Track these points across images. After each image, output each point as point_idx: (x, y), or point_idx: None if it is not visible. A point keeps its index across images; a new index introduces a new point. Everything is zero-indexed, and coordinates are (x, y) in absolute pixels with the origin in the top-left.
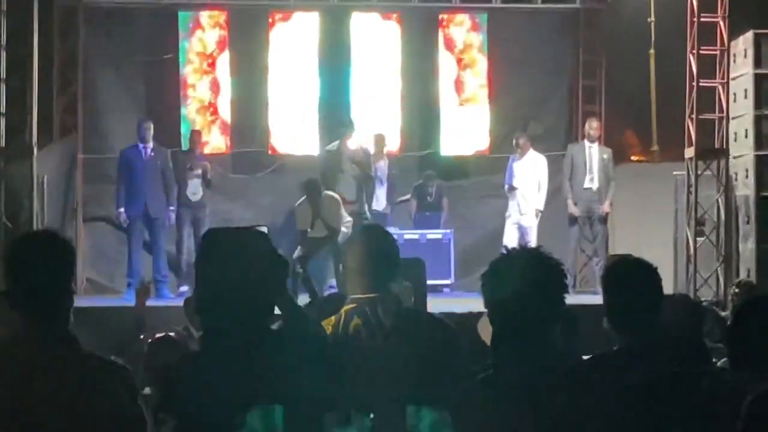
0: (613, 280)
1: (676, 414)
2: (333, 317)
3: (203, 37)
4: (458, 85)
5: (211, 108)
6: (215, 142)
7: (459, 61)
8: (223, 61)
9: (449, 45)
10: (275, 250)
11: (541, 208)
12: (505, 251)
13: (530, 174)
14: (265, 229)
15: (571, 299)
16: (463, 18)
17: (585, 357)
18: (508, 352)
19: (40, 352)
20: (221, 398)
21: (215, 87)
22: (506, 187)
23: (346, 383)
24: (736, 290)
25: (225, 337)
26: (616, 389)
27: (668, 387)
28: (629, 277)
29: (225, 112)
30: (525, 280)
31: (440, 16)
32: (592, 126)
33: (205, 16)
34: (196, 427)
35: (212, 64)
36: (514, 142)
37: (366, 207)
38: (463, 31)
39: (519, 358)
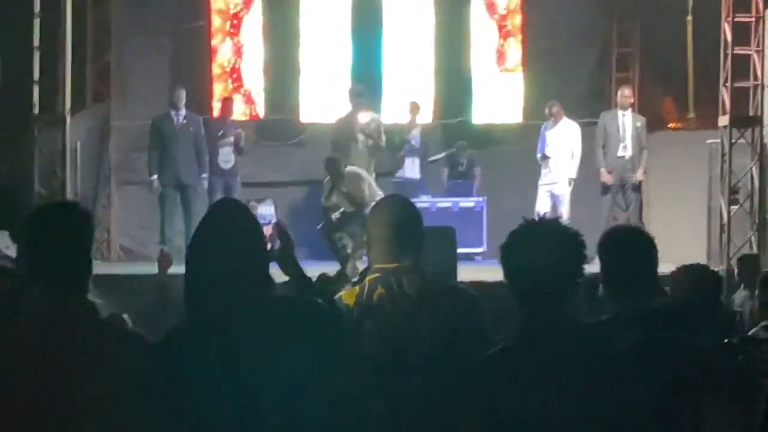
0: (608, 248)
1: (666, 379)
2: (356, 287)
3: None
4: (500, 54)
5: (234, 74)
6: (237, 109)
7: (501, 28)
8: (250, 24)
9: (490, 10)
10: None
11: (574, 176)
12: (523, 222)
13: (563, 142)
14: None
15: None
16: None
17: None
18: (526, 323)
19: (57, 321)
20: (211, 371)
21: (238, 51)
22: (539, 155)
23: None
24: (742, 266)
25: (211, 307)
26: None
27: (657, 353)
28: (624, 244)
29: (250, 78)
30: (542, 251)
31: None
32: (624, 93)
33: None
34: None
35: (236, 26)
36: (546, 110)
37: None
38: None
39: (536, 329)
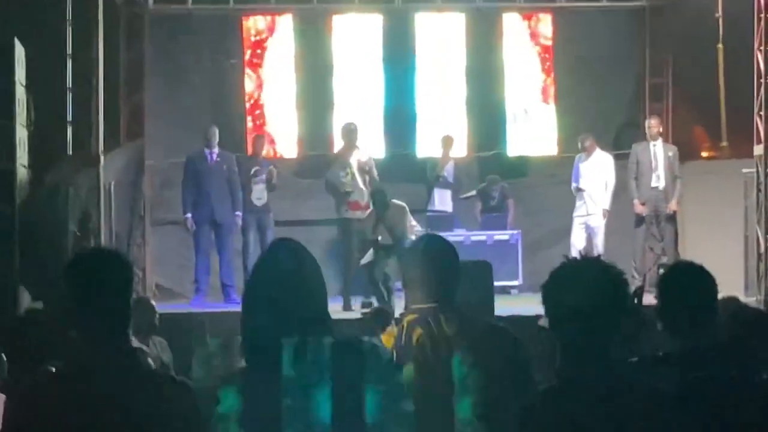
0: (669, 285)
1: (720, 419)
2: (395, 329)
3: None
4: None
5: (257, 110)
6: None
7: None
8: (278, 55)
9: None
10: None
11: (608, 207)
12: (565, 260)
13: (597, 174)
14: None
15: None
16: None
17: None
18: (570, 364)
19: (102, 370)
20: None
21: (260, 84)
22: (573, 186)
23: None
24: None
25: (270, 349)
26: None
27: (714, 391)
28: (685, 281)
29: (276, 112)
30: (585, 292)
31: (503, 15)
32: (651, 124)
33: (269, 20)
34: None
35: (260, 56)
36: (579, 144)
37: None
38: (529, 30)
39: (581, 370)
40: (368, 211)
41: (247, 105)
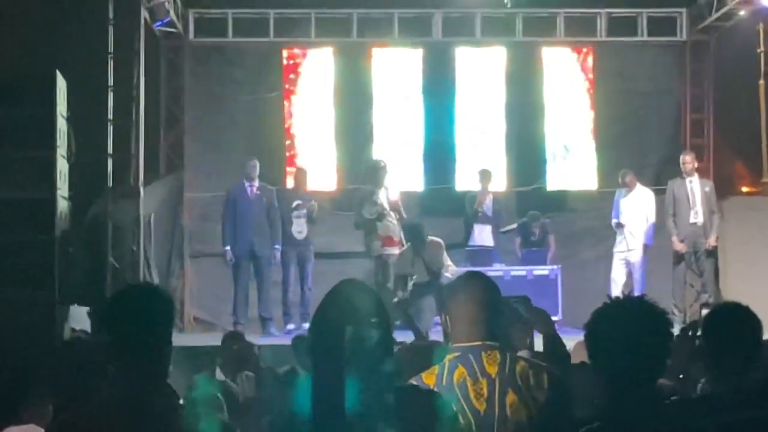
0: (713, 324)
1: None
2: (436, 366)
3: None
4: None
5: (288, 140)
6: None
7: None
8: (319, 92)
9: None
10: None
11: (650, 243)
12: (608, 300)
13: (638, 210)
14: None
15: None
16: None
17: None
18: (613, 403)
19: (139, 406)
20: None
21: (289, 113)
22: (613, 222)
23: None
24: None
25: (341, 395)
26: None
27: None
28: (729, 321)
29: (308, 142)
30: (629, 332)
31: (543, 50)
32: (685, 160)
33: (309, 52)
34: None
35: (294, 81)
36: (620, 179)
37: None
38: (569, 65)
39: (626, 411)
40: (402, 247)
41: (287, 138)
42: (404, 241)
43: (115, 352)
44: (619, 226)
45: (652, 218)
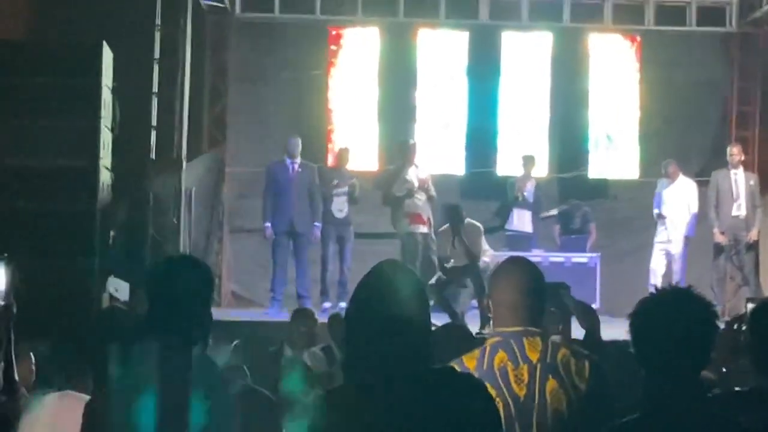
0: (759, 319)
1: None
2: (477, 350)
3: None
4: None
5: (339, 121)
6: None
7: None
8: (364, 71)
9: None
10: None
11: (692, 234)
12: (654, 290)
13: (680, 201)
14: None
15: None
16: (615, 38)
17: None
18: (657, 396)
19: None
20: None
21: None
22: (655, 213)
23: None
24: None
25: (375, 375)
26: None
27: None
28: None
29: (355, 125)
30: (675, 323)
31: (590, 36)
32: (732, 152)
33: (355, 31)
34: None
35: (344, 67)
36: (663, 169)
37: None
38: (616, 54)
39: (669, 403)
40: (430, 226)
41: (329, 116)
42: (432, 220)
43: (155, 323)
44: (661, 216)
45: (695, 209)
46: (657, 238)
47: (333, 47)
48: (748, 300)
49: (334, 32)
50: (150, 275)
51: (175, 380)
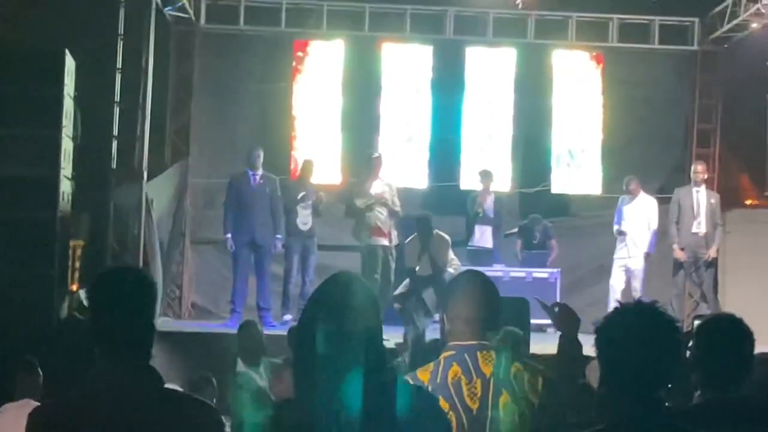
0: (705, 337)
1: None
2: (431, 364)
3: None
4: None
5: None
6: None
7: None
8: (327, 85)
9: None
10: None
11: (651, 251)
12: (618, 305)
13: (640, 217)
14: None
15: None
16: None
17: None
18: (619, 411)
19: (122, 388)
20: None
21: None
22: (615, 229)
23: None
24: None
25: (323, 387)
26: None
27: None
28: (720, 333)
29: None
30: (640, 338)
31: (554, 52)
32: (697, 170)
33: (319, 44)
34: None
35: (308, 80)
36: (624, 185)
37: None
38: (579, 70)
39: (629, 416)
40: (391, 240)
41: (293, 128)
42: (394, 234)
43: (98, 333)
44: (621, 233)
45: (654, 226)
46: (617, 255)
47: (298, 60)
48: (695, 317)
49: (298, 45)
50: (92, 287)
51: (118, 392)
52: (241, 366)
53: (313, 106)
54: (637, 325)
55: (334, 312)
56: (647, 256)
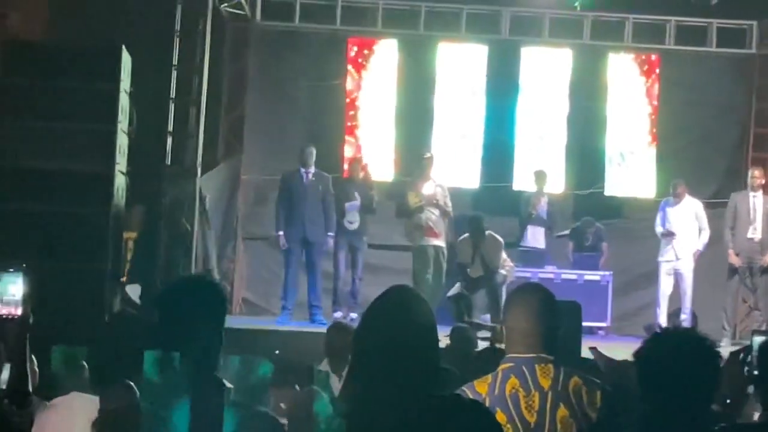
0: (766, 355)
1: None
2: (489, 376)
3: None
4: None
5: (355, 132)
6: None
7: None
8: (381, 83)
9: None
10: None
11: (702, 248)
12: (658, 331)
13: (687, 219)
14: None
15: (728, 350)
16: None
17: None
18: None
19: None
20: None
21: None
22: (660, 231)
23: None
24: None
25: (379, 401)
26: None
27: None
28: None
29: (371, 136)
30: (680, 365)
31: (610, 54)
32: (754, 175)
33: (374, 43)
34: None
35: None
36: (671, 188)
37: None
38: (635, 72)
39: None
40: (443, 240)
41: (346, 126)
42: (445, 234)
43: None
44: (670, 233)
45: (706, 227)
46: (664, 257)
47: (352, 58)
48: (754, 332)
49: (353, 43)
50: (162, 293)
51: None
52: (325, 365)
53: (367, 105)
54: (675, 353)
55: (395, 326)
56: (696, 254)
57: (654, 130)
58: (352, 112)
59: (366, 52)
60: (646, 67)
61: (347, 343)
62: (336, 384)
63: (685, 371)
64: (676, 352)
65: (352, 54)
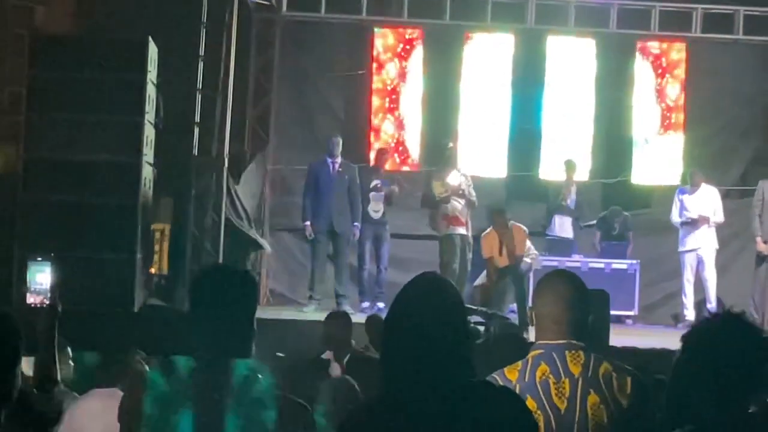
0: None
1: None
2: (519, 363)
3: (388, 68)
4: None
5: (400, 147)
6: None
7: (659, 91)
8: (408, 73)
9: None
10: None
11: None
12: (708, 316)
13: (705, 206)
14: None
15: None
16: (661, 45)
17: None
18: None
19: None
20: None
21: (400, 124)
22: (678, 220)
23: None
24: None
25: (411, 387)
26: None
27: None
28: None
29: (413, 141)
30: (725, 353)
31: (637, 44)
32: None
33: (400, 33)
34: None
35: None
36: (689, 177)
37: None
38: (661, 59)
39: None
40: (468, 229)
41: (372, 117)
42: (470, 223)
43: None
44: (693, 221)
45: (720, 214)
46: (686, 247)
47: (378, 48)
48: None
49: (379, 33)
50: (196, 281)
51: (212, 398)
52: (336, 371)
53: (393, 95)
54: (723, 337)
55: (425, 313)
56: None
57: (681, 118)
58: (377, 102)
59: (392, 41)
60: (672, 56)
61: (347, 331)
62: (337, 372)
63: (734, 356)
64: (724, 337)
65: (378, 43)
